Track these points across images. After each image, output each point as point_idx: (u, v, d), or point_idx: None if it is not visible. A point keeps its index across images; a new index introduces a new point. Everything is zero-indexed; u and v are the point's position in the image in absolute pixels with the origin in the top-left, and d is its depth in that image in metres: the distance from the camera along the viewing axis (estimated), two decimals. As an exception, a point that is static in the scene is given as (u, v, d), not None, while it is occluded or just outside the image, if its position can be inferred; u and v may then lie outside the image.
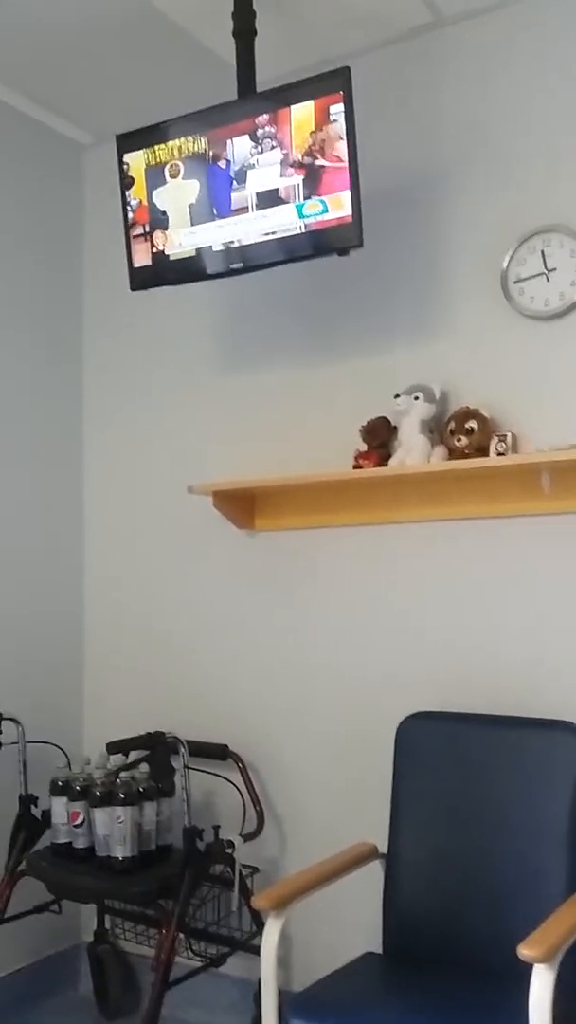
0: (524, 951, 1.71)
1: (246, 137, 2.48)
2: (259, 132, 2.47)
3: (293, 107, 2.42)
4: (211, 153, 2.55)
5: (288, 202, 2.44)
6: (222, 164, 2.53)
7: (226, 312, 3.06)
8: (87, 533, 3.35)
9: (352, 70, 2.35)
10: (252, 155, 2.48)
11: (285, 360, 2.93)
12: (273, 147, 2.45)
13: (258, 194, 2.48)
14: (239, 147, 2.50)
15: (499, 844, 2.23)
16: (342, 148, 2.35)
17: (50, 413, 3.25)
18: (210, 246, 2.56)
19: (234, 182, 2.51)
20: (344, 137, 2.35)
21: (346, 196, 2.36)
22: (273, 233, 2.46)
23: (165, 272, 2.66)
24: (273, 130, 2.45)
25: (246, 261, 2.53)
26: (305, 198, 2.41)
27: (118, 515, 3.27)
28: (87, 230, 3.40)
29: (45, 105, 3.13)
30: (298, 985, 2.75)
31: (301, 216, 2.42)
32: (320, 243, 2.42)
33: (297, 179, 2.43)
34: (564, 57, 2.50)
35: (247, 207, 2.50)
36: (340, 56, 2.80)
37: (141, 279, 2.71)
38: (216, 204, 2.55)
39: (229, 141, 2.51)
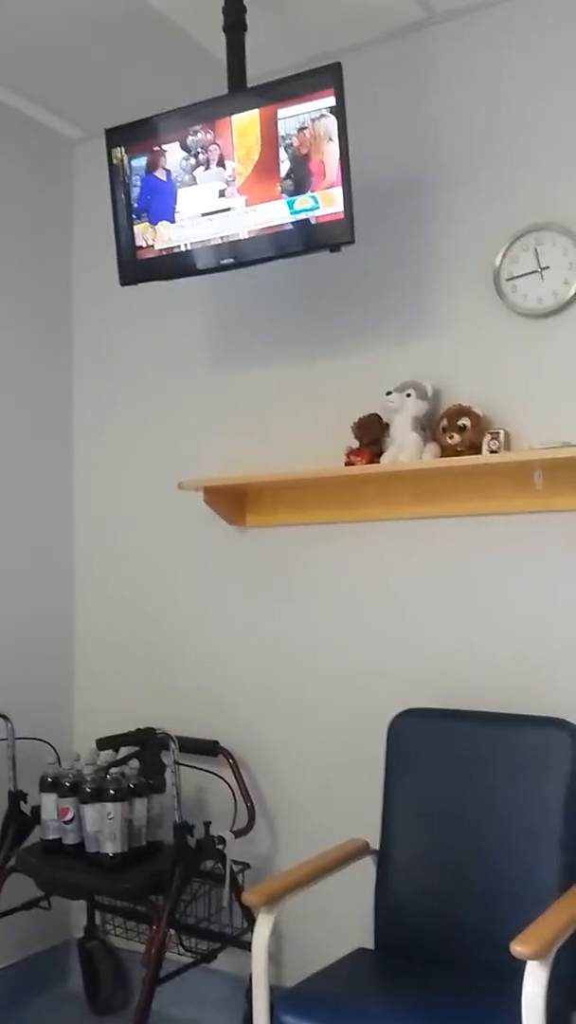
0: (517, 948, 1.72)
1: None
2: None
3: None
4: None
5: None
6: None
7: (217, 307, 3.05)
8: (77, 529, 3.34)
9: (344, 66, 2.34)
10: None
11: (277, 356, 2.92)
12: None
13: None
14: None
15: (492, 841, 2.23)
16: (333, 144, 2.34)
17: (40, 409, 3.23)
18: (200, 241, 2.55)
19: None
20: (335, 133, 2.33)
21: (338, 192, 2.35)
22: (264, 228, 2.45)
23: (155, 267, 2.65)
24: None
25: (237, 257, 2.52)
26: (294, 194, 2.40)
27: (108, 511, 3.26)
28: (77, 225, 3.38)
29: (34, 100, 3.11)
30: (289, 981, 2.75)
31: (293, 212, 2.42)
32: (312, 239, 2.41)
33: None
34: (556, 54, 2.50)
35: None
36: (333, 52, 2.79)
37: (131, 274, 2.70)
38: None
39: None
